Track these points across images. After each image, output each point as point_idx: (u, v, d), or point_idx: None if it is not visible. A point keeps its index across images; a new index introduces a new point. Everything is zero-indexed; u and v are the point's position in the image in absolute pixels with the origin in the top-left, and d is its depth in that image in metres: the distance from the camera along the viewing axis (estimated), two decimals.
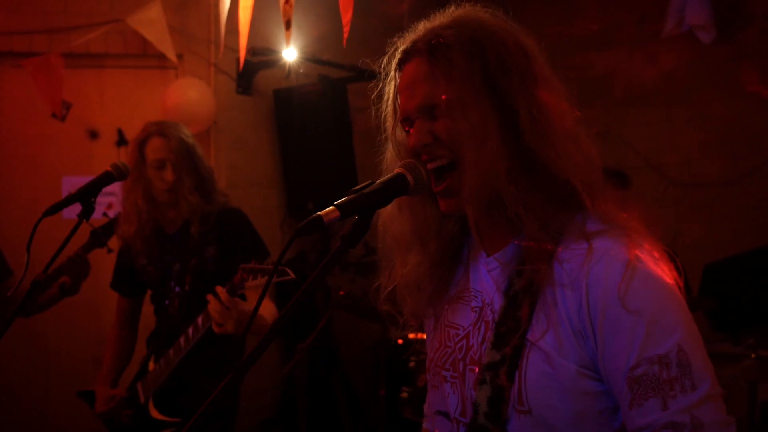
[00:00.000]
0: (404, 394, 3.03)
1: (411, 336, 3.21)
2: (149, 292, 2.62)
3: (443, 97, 1.02)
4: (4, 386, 3.48)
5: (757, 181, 3.68)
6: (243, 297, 2.22)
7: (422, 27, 1.10)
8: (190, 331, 2.30)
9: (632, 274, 0.96)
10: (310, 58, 3.87)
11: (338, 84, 3.96)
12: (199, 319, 2.26)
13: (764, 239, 3.47)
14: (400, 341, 3.30)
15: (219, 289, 2.08)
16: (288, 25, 2.86)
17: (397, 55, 1.11)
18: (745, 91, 3.70)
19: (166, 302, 2.51)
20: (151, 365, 2.49)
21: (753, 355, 2.55)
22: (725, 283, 3.38)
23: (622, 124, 4.02)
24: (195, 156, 2.49)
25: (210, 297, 2.08)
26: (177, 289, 2.48)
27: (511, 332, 1.01)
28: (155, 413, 2.44)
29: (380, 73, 1.15)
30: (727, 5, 3.61)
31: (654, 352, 0.94)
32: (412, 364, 3.04)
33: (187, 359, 2.35)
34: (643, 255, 0.99)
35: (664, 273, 0.99)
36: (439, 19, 1.09)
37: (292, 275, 2.10)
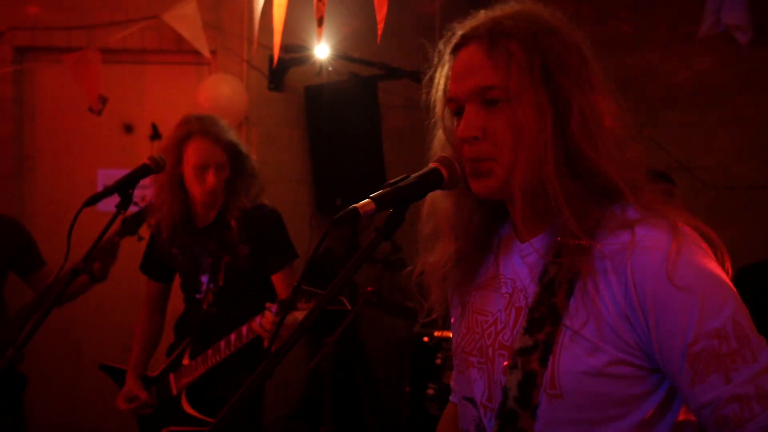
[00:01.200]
0: (430, 391, 3.03)
1: (437, 334, 3.22)
2: (178, 279, 2.64)
3: (501, 85, 1.03)
4: (37, 373, 3.56)
5: None
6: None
7: (483, 14, 1.10)
8: (233, 337, 2.32)
9: (678, 252, 0.96)
10: (342, 55, 3.89)
11: (369, 81, 3.97)
12: (244, 329, 2.28)
13: None
14: (425, 339, 3.30)
15: (268, 306, 2.15)
16: (320, 23, 2.88)
17: (454, 40, 1.10)
18: None
19: (198, 296, 2.53)
20: (185, 359, 2.52)
21: None
22: (759, 287, 3.32)
23: (656, 126, 3.96)
24: (239, 155, 2.42)
25: (266, 314, 2.17)
26: (211, 285, 2.49)
27: (545, 318, 1.02)
28: (188, 408, 2.48)
29: (434, 58, 1.14)
30: (765, 7, 3.54)
31: (711, 327, 0.94)
32: (438, 360, 3.05)
33: (224, 361, 2.38)
34: (686, 235, 0.99)
35: (708, 251, 1.00)
36: (501, 9, 1.09)
37: (348, 306, 2.13)
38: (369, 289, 2.84)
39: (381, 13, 2.52)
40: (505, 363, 1.07)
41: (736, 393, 0.92)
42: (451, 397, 1.36)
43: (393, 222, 1.00)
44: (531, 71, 1.02)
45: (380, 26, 2.51)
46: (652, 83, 4.06)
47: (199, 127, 2.37)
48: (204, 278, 2.51)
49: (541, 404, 1.01)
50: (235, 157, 2.41)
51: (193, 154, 2.35)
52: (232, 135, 2.45)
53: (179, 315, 2.65)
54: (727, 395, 0.92)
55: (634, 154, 1.07)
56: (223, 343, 2.36)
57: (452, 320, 1.27)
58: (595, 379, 0.99)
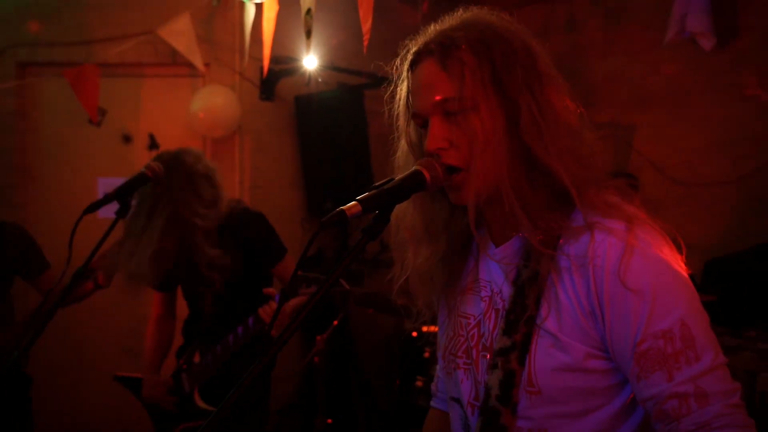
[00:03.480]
0: (419, 383, 3.03)
1: (425, 329, 3.22)
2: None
3: (456, 97, 1.02)
4: (41, 374, 3.53)
5: (757, 181, 3.64)
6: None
7: (433, 29, 1.09)
8: (240, 330, 2.32)
9: (631, 254, 0.96)
10: (329, 65, 3.89)
11: (355, 90, 3.97)
12: (250, 320, 2.28)
13: (764, 237, 3.43)
14: (414, 333, 3.30)
15: (272, 293, 2.18)
16: (308, 35, 2.88)
17: (409, 57, 1.10)
18: (744, 96, 3.66)
19: (199, 303, 2.51)
20: (196, 358, 2.49)
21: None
22: (726, 279, 3.35)
23: (627, 128, 3.99)
24: (184, 179, 2.30)
25: (270, 302, 2.18)
26: (211, 288, 2.47)
27: (520, 319, 1.02)
28: (201, 403, 2.46)
29: (393, 74, 1.15)
30: (726, 15, 3.57)
31: (658, 328, 0.95)
32: (426, 354, 3.05)
33: (234, 355, 2.37)
34: (642, 235, 0.99)
35: (663, 252, 0.99)
36: (449, 21, 1.09)
37: (347, 286, 2.12)
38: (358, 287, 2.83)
39: (366, 24, 2.53)
40: (487, 357, 1.07)
41: (676, 391, 0.94)
42: (432, 402, 1.35)
43: (379, 223, 0.99)
44: (482, 79, 1.01)
45: (366, 37, 2.51)
46: (623, 87, 4.09)
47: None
48: (202, 288, 2.48)
49: (521, 401, 1.02)
50: (169, 172, 2.25)
51: None
52: (182, 164, 2.32)
53: (186, 317, 2.62)
54: (668, 392, 0.94)
55: (592, 149, 1.06)
56: (231, 338, 2.35)
57: (438, 323, 1.26)
58: (569, 374, 1.00)
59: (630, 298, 0.96)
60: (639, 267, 0.96)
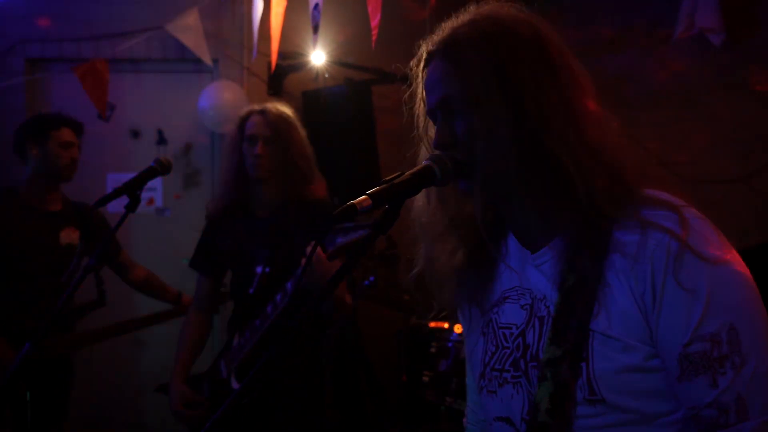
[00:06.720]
0: (425, 378, 3.03)
1: (432, 324, 3.22)
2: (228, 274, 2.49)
3: (457, 95, 1.01)
4: (81, 364, 3.55)
5: (764, 178, 3.61)
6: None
7: (445, 26, 1.08)
8: (279, 297, 2.20)
9: (687, 252, 0.93)
10: (337, 61, 3.88)
11: (363, 86, 3.96)
12: (289, 284, 2.17)
13: None
14: (421, 329, 3.30)
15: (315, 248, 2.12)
16: (316, 30, 2.88)
17: (423, 57, 1.10)
18: (752, 93, 3.63)
19: (251, 290, 2.35)
20: (235, 340, 2.37)
21: None
22: None
23: (635, 125, 3.94)
24: (290, 138, 2.39)
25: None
26: (267, 269, 2.33)
27: (570, 326, 0.97)
28: (236, 384, 2.33)
29: (405, 72, 1.14)
30: (736, 10, 3.55)
31: (706, 331, 0.91)
32: (433, 350, 3.05)
33: (272, 330, 2.22)
34: (697, 228, 0.96)
35: (721, 248, 0.95)
36: (460, 18, 1.07)
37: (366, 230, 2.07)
38: (366, 283, 2.83)
39: (375, 20, 2.53)
40: (537, 367, 1.02)
41: (718, 400, 0.91)
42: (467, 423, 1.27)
43: (389, 217, 0.97)
44: (483, 75, 0.99)
45: (374, 33, 2.51)
46: (631, 84, 4.06)
47: (258, 108, 2.42)
48: (258, 269, 2.35)
49: (579, 412, 0.96)
50: (280, 135, 2.36)
51: (248, 128, 2.38)
52: (288, 117, 2.42)
53: (231, 313, 2.47)
54: (708, 400, 0.92)
55: (613, 137, 1.03)
56: (269, 308, 2.22)
57: (464, 328, 1.20)
58: (635, 375, 0.95)
59: (683, 297, 0.92)
60: (695, 266, 0.93)
